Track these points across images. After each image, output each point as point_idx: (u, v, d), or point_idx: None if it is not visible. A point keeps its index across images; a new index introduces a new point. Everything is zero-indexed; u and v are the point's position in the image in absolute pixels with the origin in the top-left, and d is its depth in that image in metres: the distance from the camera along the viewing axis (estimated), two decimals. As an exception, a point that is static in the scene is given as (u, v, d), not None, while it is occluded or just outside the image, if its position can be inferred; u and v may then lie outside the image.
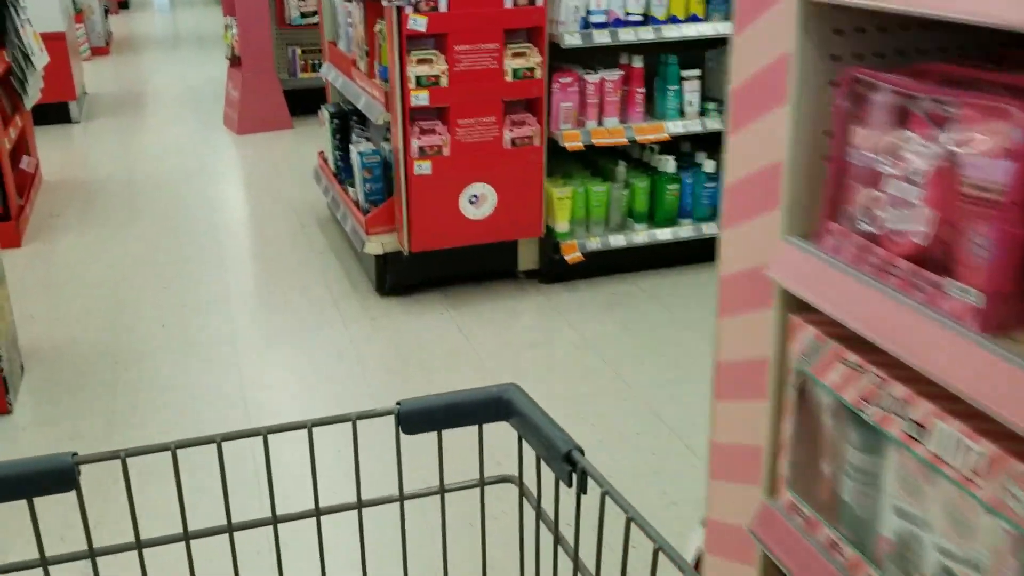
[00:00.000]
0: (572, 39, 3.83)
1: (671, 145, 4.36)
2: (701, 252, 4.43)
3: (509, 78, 3.74)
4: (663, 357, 3.60)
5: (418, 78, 3.61)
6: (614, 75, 4.00)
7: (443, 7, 3.56)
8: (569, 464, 0.91)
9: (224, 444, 0.95)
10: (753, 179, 1.47)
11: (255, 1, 6.67)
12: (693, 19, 4.04)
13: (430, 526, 1.19)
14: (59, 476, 0.89)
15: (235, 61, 6.98)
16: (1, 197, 4.74)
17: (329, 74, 4.80)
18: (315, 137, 6.58)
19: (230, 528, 1.00)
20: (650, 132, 4.08)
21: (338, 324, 3.90)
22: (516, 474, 1.04)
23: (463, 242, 3.93)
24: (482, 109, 3.74)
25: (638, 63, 4.06)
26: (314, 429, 0.97)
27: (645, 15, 3.99)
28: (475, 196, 3.86)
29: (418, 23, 3.53)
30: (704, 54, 4.39)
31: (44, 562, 0.92)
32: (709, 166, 4.27)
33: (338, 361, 3.62)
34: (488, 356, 3.62)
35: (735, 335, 1.60)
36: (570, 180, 4.21)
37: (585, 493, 0.90)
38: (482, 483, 1.05)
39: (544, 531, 1.00)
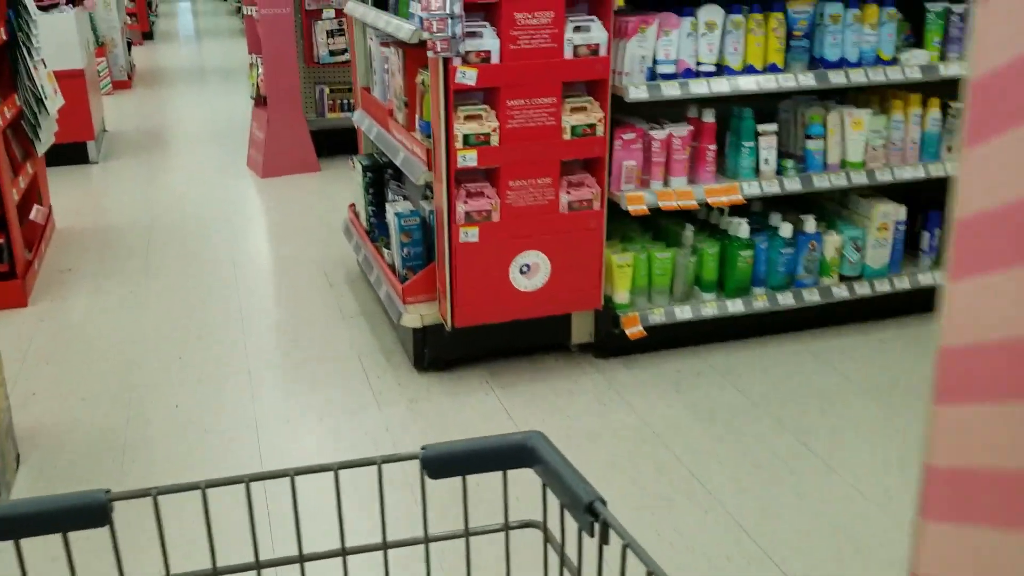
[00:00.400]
0: (638, 92, 3.41)
1: (739, 205, 3.93)
2: (774, 324, 3.99)
3: (567, 136, 3.33)
4: (744, 454, 3.15)
5: (465, 136, 3.20)
6: (682, 130, 3.59)
7: (495, 59, 3.16)
8: (591, 515, 0.92)
9: (254, 485, 1.01)
10: (999, 350, 1.05)
11: (282, 40, 6.33)
12: (772, 69, 3.62)
13: (456, 569, 1.19)
14: (93, 512, 0.94)
15: (260, 101, 6.64)
16: (7, 253, 4.38)
17: (362, 123, 4.42)
18: (343, 181, 6.21)
19: (258, 565, 1.03)
20: (722, 194, 3.66)
21: (372, 406, 3.47)
22: (540, 519, 1.05)
23: (513, 316, 3.51)
24: (536, 170, 3.33)
25: (709, 117, 3.64)
26: (342, 472, 1.01)
27: (718, 65, 3.57)
28: (527, 265, 3.44)
29: (467, 76, 3.13)
30: (777, 106, 3.98)
31: None
32: (785, 230, 3.83)
33: (374, 451, 3.19)
34: (542, 449, 3.17)
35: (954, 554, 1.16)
36: (630, 244, 3.78)
37: (607, 544, 0.90)
38: (507, 528, 1.08)
39: None
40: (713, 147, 3.66)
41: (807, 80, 3.64)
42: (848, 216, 4.10)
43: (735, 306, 3.83)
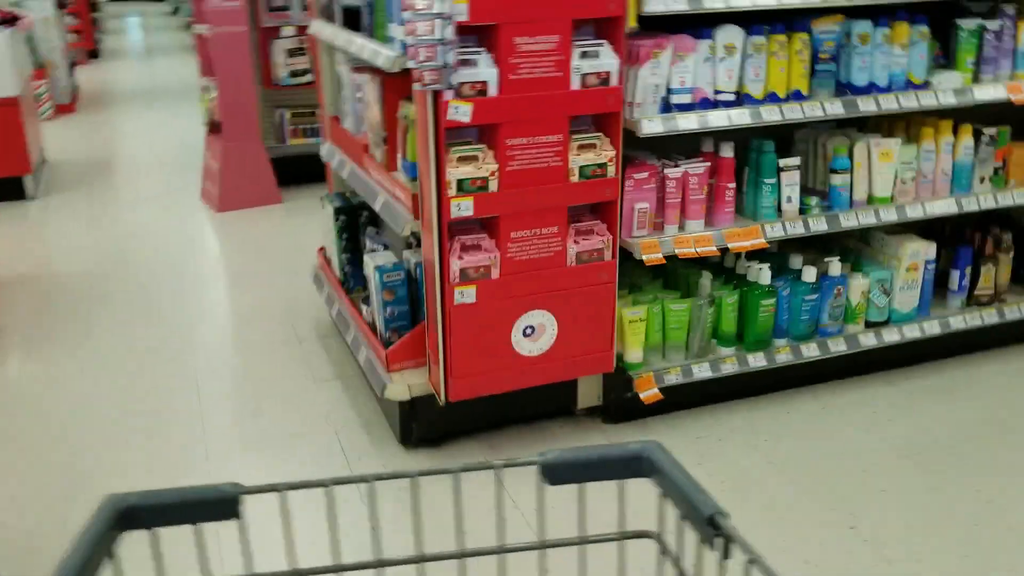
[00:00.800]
0: (651, 125, 3.00)
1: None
2: (797, 377, 3.60)
3: (575, 178, 2.90)
4: (788, 542, 2.73)
5: (460, 182, 2.76)
6: (699, 167, 3.18)
7: (492, 91, 2.72)
8: (713, 528, 0.90)
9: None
10: None
11: (238, 61, 5.83)
12: (795, 96, 3.23)
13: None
14: (224, 505, 0.99)
15: (214, 128, 6.12)
16: (-75, 313, 3.83)
17: (332, 158, 3.94)
18: (309, 214, 5.73)
19: (379, 563, 1.05)
20: (744, 238, 3.25)
21: (353, 496, 2.99)
22: (655, 530, 1.05)
23: (516, 385, 3.06)
24: (541, 218, 2.89)
25: (728, 151, 3.23)
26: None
27: (737, 92, 3.17)
28: (531, 327, 3.00)
29: (461, 112, 2.69)
30: (793, 135, 3.59)
31: None
32: (809, 274, 3.43)
33: (359, 553, 2.71)
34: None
35: None
36: (640, 295, 3.36)
37: (729, 559, 0.89)
38: (622, 537, 1.07)
39: None
40: (732, 185, 3.26)
41: (835, 108, 3.25)
42: (873, 256, 3.72)
43: (756, 360, 3.43)
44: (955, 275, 3.77)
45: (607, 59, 2.83)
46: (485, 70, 2.69)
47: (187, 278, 5.01)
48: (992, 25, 3.47)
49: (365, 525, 2.81)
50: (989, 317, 3.79)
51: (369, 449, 3.24)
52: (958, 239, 3.87)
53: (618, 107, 2.89)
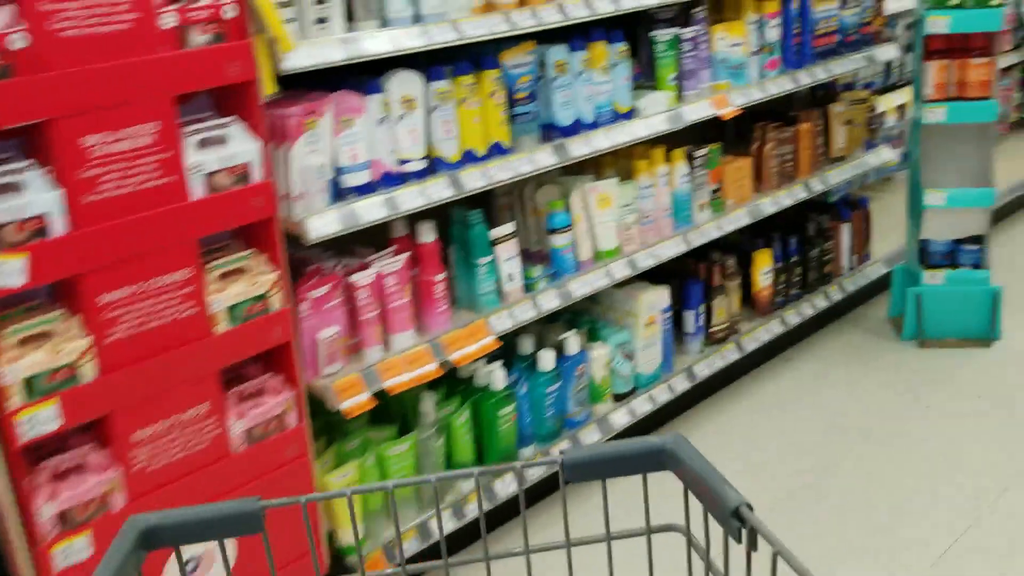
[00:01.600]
0: (323, 224, 2.08)
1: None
2: (549, 487, 2.90)
3: (224, 325, 1.91)
4: None
5: (29, 381, 1.66)
6: (395, 263, 2.33)
7: (58, 227, 1.65)
8: (738, 520, 0.89)
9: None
10: None
11: None
12: (498, 151, 2.48)
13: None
14: (247, 519, 0.93)
15: None
16: None
17: None
18: None
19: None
20: (469, 340, 2.46)
21: None
22: (681, 523, 1.04)
23: (187, 646, 2.02)
24: (179, 399, 1.87)
25: (428, 234, 2.41)
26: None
27: (428, 158, 2.35)
28: (192, 561, 1.97)
29: (7, 271, 1.59)
30: (492, 192, 2.87)
31: None
32: (546, 360, 2.74)
33: None
34: None
35: None
36: (343, 444, 2.45)
37: (756, 551, 0.88)
38: (648, 531, 1.06)
39: None
40: (441, 276, 2.45)
41: (546, 158, 2.57)
42: (605, 314, 3.13)
43: (504, 487, 2.67)
44: (690, 316, 3.30)
45: (241, 144, 1.87)
46: (40, 196, 1.61)
47: None
48: (687, 33, 2.98)
49: None
50: (731, 354, 3.38)
51: None
52: (681, 275, 3.40)
53: (271, 210, 1.94)
